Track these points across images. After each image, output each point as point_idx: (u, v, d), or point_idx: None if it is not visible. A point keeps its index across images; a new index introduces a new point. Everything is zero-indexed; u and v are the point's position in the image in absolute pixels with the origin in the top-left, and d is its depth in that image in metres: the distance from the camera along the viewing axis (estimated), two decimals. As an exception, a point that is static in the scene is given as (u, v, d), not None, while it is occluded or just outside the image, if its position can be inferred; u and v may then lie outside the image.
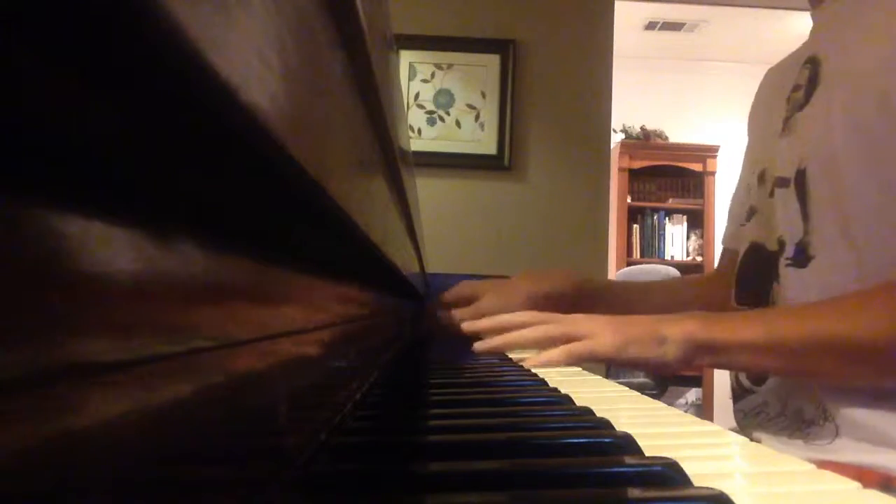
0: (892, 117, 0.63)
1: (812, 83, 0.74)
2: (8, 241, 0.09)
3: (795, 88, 0.76)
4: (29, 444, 0.09)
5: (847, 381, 0.66)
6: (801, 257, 0.71)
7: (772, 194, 0.77)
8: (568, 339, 0.74)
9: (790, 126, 0.76)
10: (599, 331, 0.73)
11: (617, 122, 3.05)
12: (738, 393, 0.81)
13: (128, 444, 0.12)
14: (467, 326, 0.87)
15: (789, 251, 0.73)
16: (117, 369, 0.12)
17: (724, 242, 0.99)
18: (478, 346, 0.81)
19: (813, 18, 0.80)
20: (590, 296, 1.01)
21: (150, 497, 0.13)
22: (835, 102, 0.69)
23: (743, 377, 0.80)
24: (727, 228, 0.98)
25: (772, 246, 0.76)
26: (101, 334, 0.12)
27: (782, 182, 0.75)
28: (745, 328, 0.67)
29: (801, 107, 0.74)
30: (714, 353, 0.68)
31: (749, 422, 0.78)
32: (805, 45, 0.81)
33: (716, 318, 0.71)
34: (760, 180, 0.81)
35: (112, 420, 0.12)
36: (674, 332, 0.69)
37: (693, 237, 4.09)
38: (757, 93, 0.93)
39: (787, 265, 0.73)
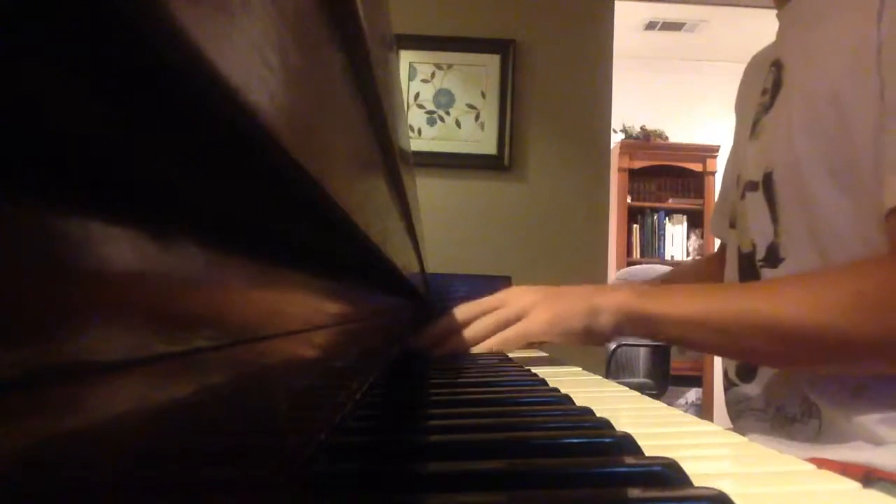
0: (844, 120, 0.63)
1: (776, 87, 0.75)
2: (8, 241, 0.09)
3: (763, 92, 0.78)
4: (29, 444, 0.09)
5: (771, 361, 0.68)
6: (773, 258, 0.73)
7: (743, 197, 0.78)
8: (507, 324, 0.75)
9: (757, 130, 0.78)
10: (531, 307, 0.74)
11: (617, 122, 3.05)
12: (727, 385, 0.82)
13: (127, 444, 0.12)
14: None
15: (760, 252, 0.74)
16: (117, 369, 0.12)
17: (711, 231, 1.01)
18: (434, 353, 0.80)
19: (778, 19, 0.81)
20: None
21: (149, 497, 0.13)
22: (794, 107, 0.70)
23: (731, 371, 0.81)
24: (713, 215, 1.00)
25: (746, 247, 0.77)
26: (100, 334, 0.12)
27: (752, 186, 0.76)
28: (679, 302, 0.68)
29: (766, 110, 0.76)
30: (647, 325, 0.69)
31: (735, 411, 0.80)
32: (772, 46, 0.82)
33: (651, 290, 0.72)
34: (736, 183, 0.82)
35: (111, 420, 0.12)
36: (607, 303, 0.70)
37: (693, 237, 4.09)
38: (738, 88, 0.94)
39: (762, 266, 0.75)
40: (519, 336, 0.74)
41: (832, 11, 0.69)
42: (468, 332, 0.77)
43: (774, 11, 0.81)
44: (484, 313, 0.77)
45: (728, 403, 0.82)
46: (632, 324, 0.69)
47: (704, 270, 1.10)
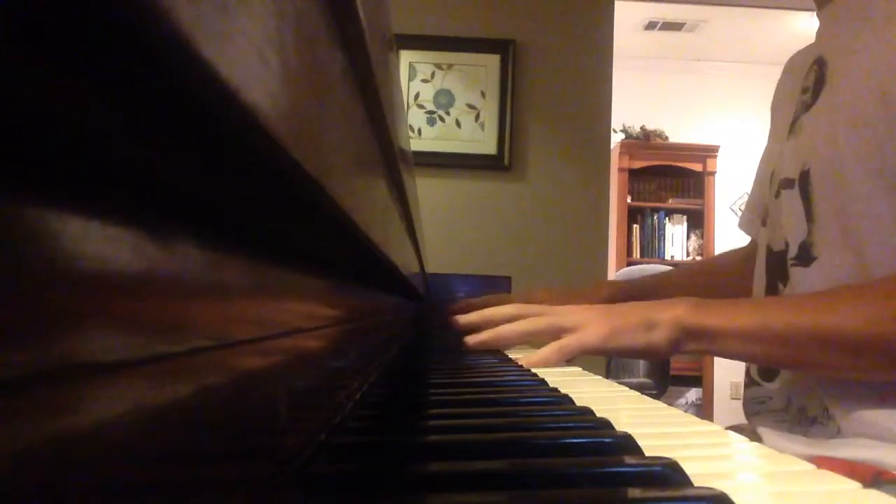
0: (894, 118, 0.63)
1: (818, 85, 0.74)
2: (8, 241, 0.09)
3: (804, 90, 0.77)
4: (29, 444, 0.09)
5: (836, 373, 0.66)
6: (805, 257, 0.72)
7: (777, 195, 0.77)
8: (556, 332, 0.74)
9: (796, 128, 0.77)
10: (587, 321, 0.73)
11: (617, 122, 3.05)
12: (747, 383, 0.82)
13: (127, 444, 0.12)
14: (455, 321, 0.86)
15: (793, 251, 0.74)
16: (117, 369, 0.12)
17: (739, 225, 1.00)
18: (468, 339, 0.81)
19: (819, 19, 0.81)
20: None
21: (149, 497, 0.13)
22: (839, 104, 0.69)
23: (753, 370, 0.81)
24: (743, 211, 0.99)
25: (778, 246, 0.77)
26: (100, 334, 0.12)
27: (787, 183, 0.75)
28: (735, 315, 0.66)
29: (807, 108, 0.75)
30: (703, 339, 0.68)
31: (753, 410, 0.79)
32: (813, 45, 0.81)
33: (706, 303, 0.70)
34: (771, 181, 0.81)
35: (111, 420, 0.12)
36: (663, 318, 0.69)
37: (693, 237, 4.09)
38: (775, 89, 0.93)
39: (793, 265, 0.74)
40: (576, 345, 0.72)
41: (880, 9, 0.68)
42: (517, 325, 0.76)
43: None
44: (533, 315, 0.76)
45: (746, 401, 0.82)
46: (689, 338, 0.68)
47: (716, 270, 1.09)
